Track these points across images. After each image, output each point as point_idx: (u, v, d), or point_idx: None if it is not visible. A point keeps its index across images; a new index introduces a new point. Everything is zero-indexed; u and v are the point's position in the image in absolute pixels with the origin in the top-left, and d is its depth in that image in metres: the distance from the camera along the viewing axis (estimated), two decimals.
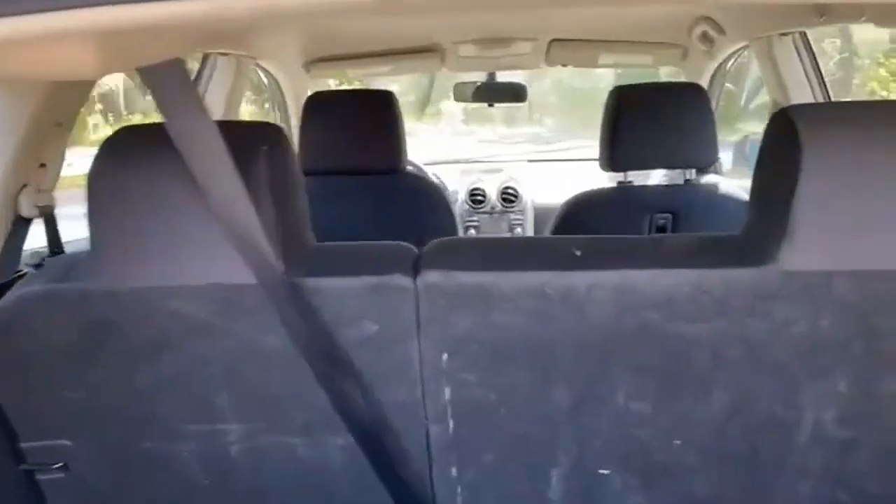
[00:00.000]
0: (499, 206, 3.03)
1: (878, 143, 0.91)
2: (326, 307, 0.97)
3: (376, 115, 1.87)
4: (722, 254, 0.97)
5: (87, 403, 1.07)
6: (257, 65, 2.27)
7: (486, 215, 3.04)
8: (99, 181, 0.97)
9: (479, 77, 2.84)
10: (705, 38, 2.15)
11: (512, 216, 3.03)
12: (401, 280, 0.96)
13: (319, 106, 1.87)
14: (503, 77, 2.85)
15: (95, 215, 0.98)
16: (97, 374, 1.05)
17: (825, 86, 1.92)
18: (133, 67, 0.76)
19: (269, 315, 0.96)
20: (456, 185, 3.10)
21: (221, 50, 1.92)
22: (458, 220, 2.97)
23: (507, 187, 3.03)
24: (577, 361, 1.01)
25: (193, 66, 2.00)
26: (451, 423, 1.08)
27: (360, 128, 1.86)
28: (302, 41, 2.32)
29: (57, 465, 1.13)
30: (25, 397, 1.08)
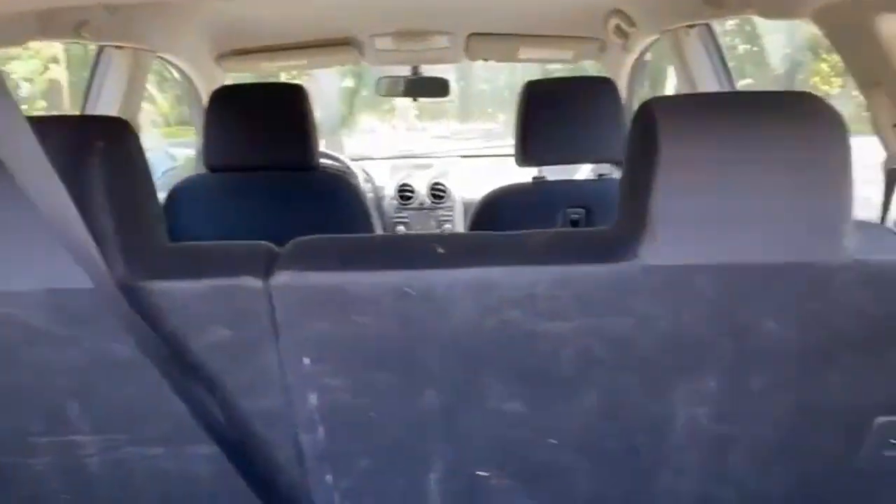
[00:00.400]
0: (428, 202, 3.00)
1: (739, 135, 0.89)
2: (173, 312, 0.91)
3: (285, 109, 1.81)
4: (583, 249, 0.94)
5: None
6: (163, 59, 2.18)
7: (414, 211, 3.00)
8: None
9: (405, 72, 2.80)
10: (619, 31, 2.14)
11: (441, 212, 3.00)
12: (250, 282, 0.91)
13: (225, 100, 1.81)
14: (429, 72, 2.81)
15: None
16: None
17: (730, 78, 1.93)
18: None
19: (113, 321, 0.90)
20: (386, 180, 3.06)
21: (114, 43, 1.83)
22: (379, 216, 2.93)
23: (436, 183, 3.00)
24: (444, 363, 0.98)
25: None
26: (321, 430, 1.03)
27: (267, 123, 1.80)
28: (209, 34, 2.24)
29: None
30: None
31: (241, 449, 1.03)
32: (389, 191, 3.02)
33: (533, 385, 1.00)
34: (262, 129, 1.79)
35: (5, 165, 0.80)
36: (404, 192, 3.01)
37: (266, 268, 0.93)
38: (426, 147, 4.38)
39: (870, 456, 1.06)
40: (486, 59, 2.57)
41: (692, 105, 0.96)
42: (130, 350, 0.92)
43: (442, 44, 2.38)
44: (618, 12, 2.07)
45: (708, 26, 1.90)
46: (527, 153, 1.80)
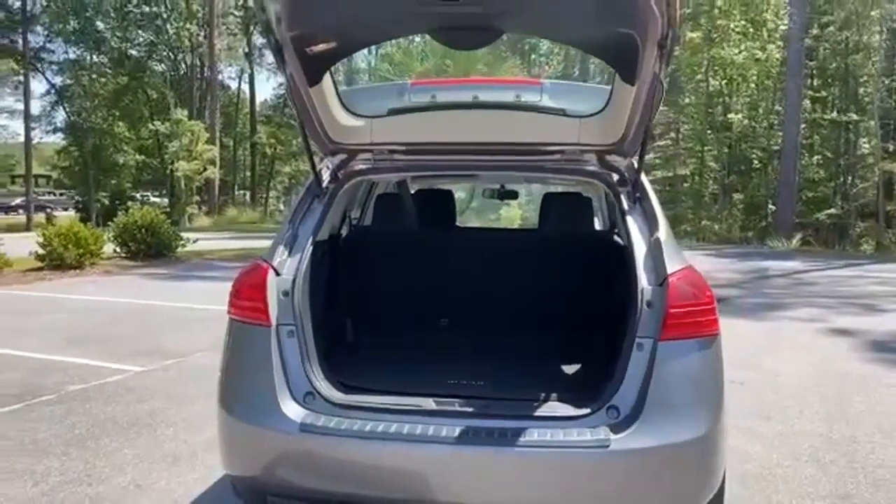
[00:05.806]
0: None
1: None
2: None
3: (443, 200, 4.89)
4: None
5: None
6: None
7: None
8: None
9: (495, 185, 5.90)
10: None
11: None
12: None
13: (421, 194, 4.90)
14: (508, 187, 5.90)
15: None
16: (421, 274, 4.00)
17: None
18: None
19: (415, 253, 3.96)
20: None
21: None
22: None
23: None
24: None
25: None
26: None
27: (435, 205, 4.83)
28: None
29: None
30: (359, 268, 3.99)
31: None
32: None
33: (506, 270, 3.94)
34: (434, 208, 4.78)
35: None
36: None
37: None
38: None
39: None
40: (531, 183, 5.61)
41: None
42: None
43: (513, 177, 5.40)
44: None
45: None
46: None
